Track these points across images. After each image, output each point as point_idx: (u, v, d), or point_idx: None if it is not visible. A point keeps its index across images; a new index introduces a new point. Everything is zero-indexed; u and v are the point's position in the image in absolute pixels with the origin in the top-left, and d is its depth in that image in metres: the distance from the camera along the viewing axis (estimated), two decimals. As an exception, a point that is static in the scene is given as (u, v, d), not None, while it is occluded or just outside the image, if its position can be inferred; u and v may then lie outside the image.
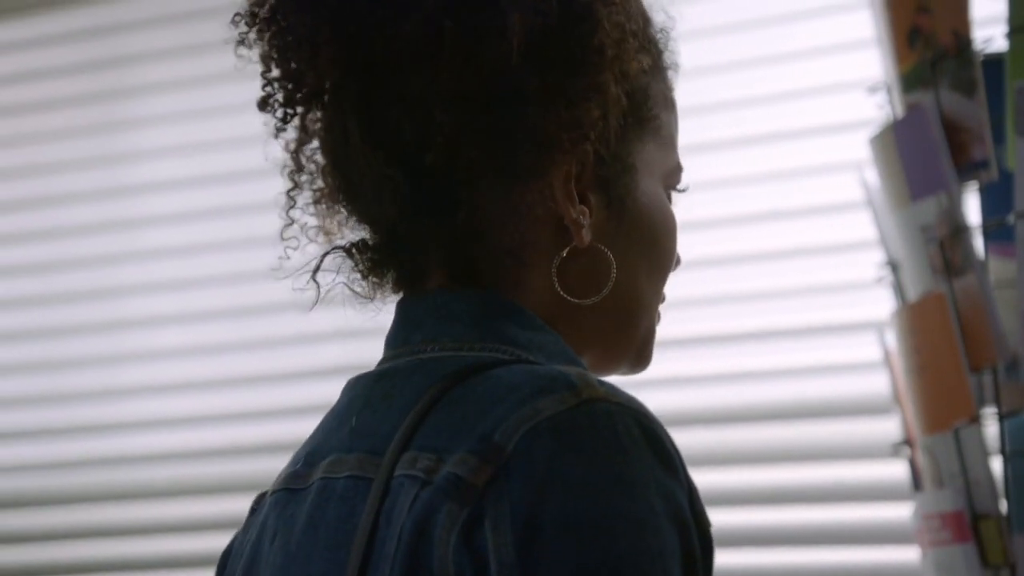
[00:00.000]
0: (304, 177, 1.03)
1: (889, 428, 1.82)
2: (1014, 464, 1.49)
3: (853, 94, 1.86)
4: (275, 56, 0.99)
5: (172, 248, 2.69)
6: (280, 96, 1.00)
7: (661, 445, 0.87)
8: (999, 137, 1.52)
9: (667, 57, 1.04)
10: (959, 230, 1.54)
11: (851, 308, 2.16)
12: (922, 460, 1.62)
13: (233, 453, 2.61)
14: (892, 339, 1.70)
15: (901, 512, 1.92)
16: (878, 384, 1.88)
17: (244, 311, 2.63)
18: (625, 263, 0.99)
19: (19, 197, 2.83)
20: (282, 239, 1.04)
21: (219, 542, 1.08)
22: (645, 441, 0.86)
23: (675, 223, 1.04)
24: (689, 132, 1.11)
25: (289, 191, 1.03)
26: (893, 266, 1.70)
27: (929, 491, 1.60)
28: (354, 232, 1.02)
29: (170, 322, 2.69)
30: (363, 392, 0.99)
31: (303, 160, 1.02)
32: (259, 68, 1.02)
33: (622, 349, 1.03)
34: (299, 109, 1.00)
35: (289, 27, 0.98)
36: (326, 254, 1.03)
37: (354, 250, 1.02)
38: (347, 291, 1.03)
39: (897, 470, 1.85)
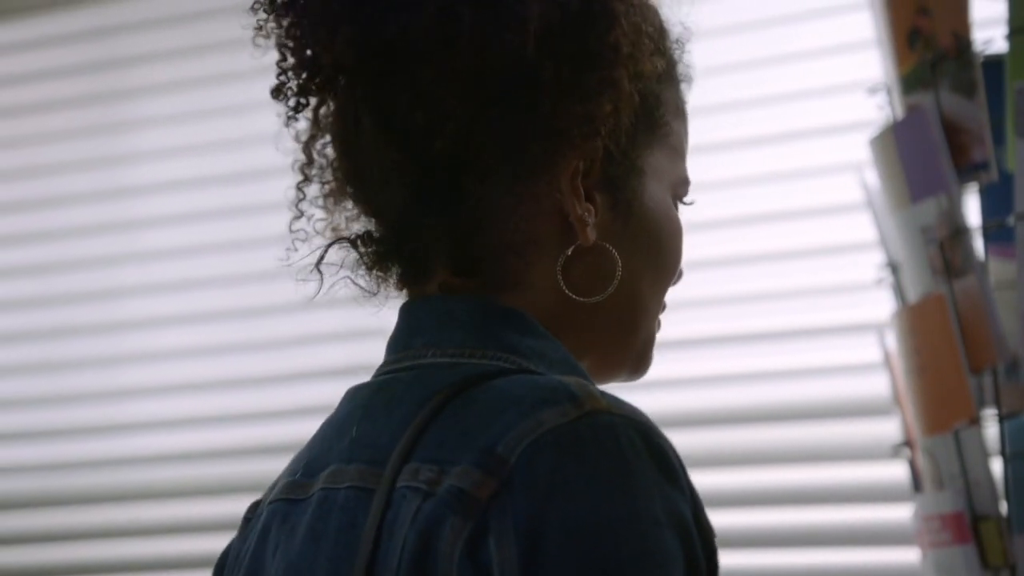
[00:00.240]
0: (314, 171, 1.02)
1: (889, 429, 1.82)
2: (1014, 465, 1.49)
3: (853, 95, 1.86)
4: (291, 45, 0.99)
5: (172, 249, 2.69)
6: (294, 84, 1.00)
7: (664, 456, 0.87)
8: (999, 138, 1.52)
9: (681, 69, 1.05)
10: (959, 231, 1.54)
11: (851, 309, 2.16)
12: (922, 461, 1.62)
13: (233, 454, 2.61)
14: (892, 340, 1.70)
15: (901, 513, 1.91)
16: (878, 385, 1.88)
17: (244, 312, 2.63)
18: (629, 266, 0.99)
19: (19, 198, 2.83)
20: (290, 231, 1.03)
21: (220, 543, 1.08)
22: (648, 453, 0.86)
23: (681, 231, 1.03)
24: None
25: (299, 184, 1.03)
26: (893, 267, 1.70)
27: (929, 492, 1.60)
28: (361, 226, 1.01)
29: (170, 323, 2.69)
30: (363, 402, 0.98)
31: (314, 154, 1.02)
32: (260, 67, 1.02)
33: (622, 354, 1.03)
34: (312, 99, 1.00)
35: (307, 11, 0.97)
36: (331, 244, 1.02)
37: (359, 242, 1.01)
38: (349, 292, 1.03)
39: (897, 471, 1.85)
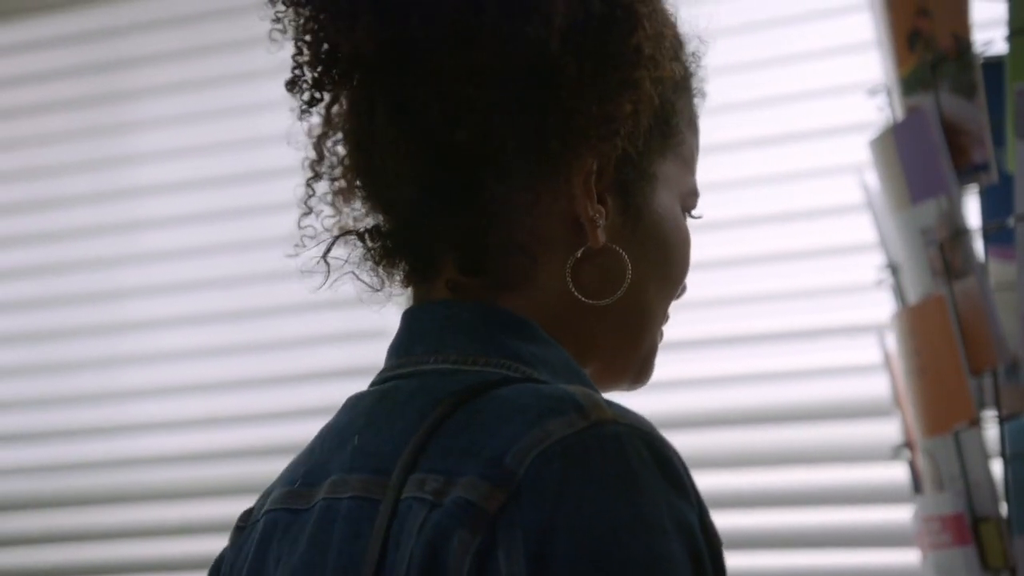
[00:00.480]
0: (324, 168, 1.01)
1: (889, 431, 1.82)
2: (1014, 467, 1.49)
3: (853, 97, 1.86)
4: (308, 39, 0.98)
5: (172, 251, 2.69)
6: (309, 78, 0.99)
7: (671, 466, 0.87)
8: (999, 140, 1.52)
9: (696, 82, 1.05)
10: (959, 233, 1.54)
11: (851, 310, 2.16)
12: (922, 463, 1.62)
13: (234, 455, 2.61)
14: (892, 341, 1.70)
15: (901, 515, 1.91)
16: (878, 386, 1.88)
17: (244, 313, 2.63)
18: (636, 272, 0.98)
19: (19, 200, 2.83)
20: (299, 228, 1.02)
21: (218, 545, 1.08)
22: (655, 463, 0.86)
23: (688, 241, 1.03)
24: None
25: (309, 180, 1.02)
26: (893, 268, 1.70)
27: (929, 494, 1.60)
28: (367, 214, 1.01)
29: (170, 325, 2.69)
30: (365, 411, 0.97)
31: (325, 151, 1.01)
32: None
33: (626, 361, 1.02)
34: (326, 95, 0.99)
35: (329, 2, 0.97)
36: (339, 236, 1.01)
37: (367, 236, 1.00)
38: (351, 293, 1.02)
39: (897, 473, 1.85)
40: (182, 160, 2.71)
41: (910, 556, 1.76)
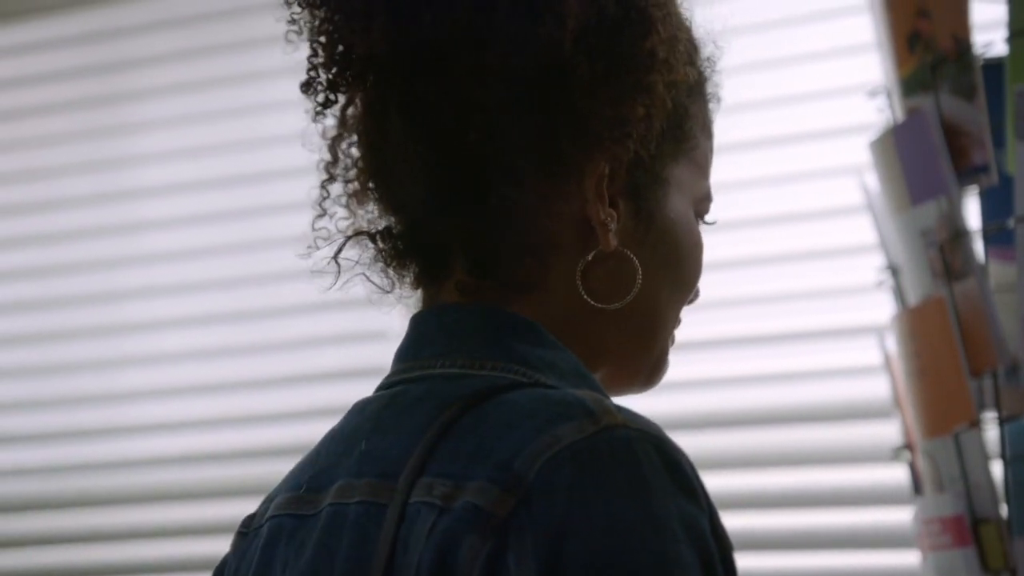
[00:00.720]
0: (339, 170, 1.01)
1: (889, 432, 1.82)
2: (1014, 468, 1.49)
3: (853, 98, 1.86)
4: (323, 40, 0.98)
5: (173, 252, 2.69)
6: (324, 79, 0.99)
7: (681, 471, 0.86)
8: (999, 141, 1.52)
9: (711, 87, 1.04)
10: (959, 234, 1.54)
11: (851, 312, 2.16)
12: (922, 464, 1.62)
13: (235, 457, 2.61)
14: (892, 343, 1.70)
15: (901, 516, 1.91)
16: (878, 388, 1.88)
17: (245, 315, 2.63)
18: (648, 276, 0.98)
19: (19, 201, 2.83)
20: (313, 230, 1.02)
21: (222, 546, 1.08)
22: (665, 467, 0.86)
23: (701, 246, 1.03)
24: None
25: (323, 182, 1.01)
26: (893, 270, 1.70)
27: (929, 495, 1.60)
28: (381, 216, 1.01)
29: (170, 326, 2.69)
30: (372, 415, 0.97)
31: (339, 153, 1.01)
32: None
33: (636, 365, 1.02)
34: (341, 96, 0.99)
35: (343, 4, 0.97)
36: (350, 237, 1.01)
37: (378, 237, 1.00)
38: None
39: (897, 474, 1.85)
40: (183, 161, 2.71)
41: (910, 558, 1.76)
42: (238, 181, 2.65)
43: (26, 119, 2.83)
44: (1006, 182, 1.51)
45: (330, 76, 0.99)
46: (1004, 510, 1.51)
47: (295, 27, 0.99)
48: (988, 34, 1.55)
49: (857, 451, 2.16)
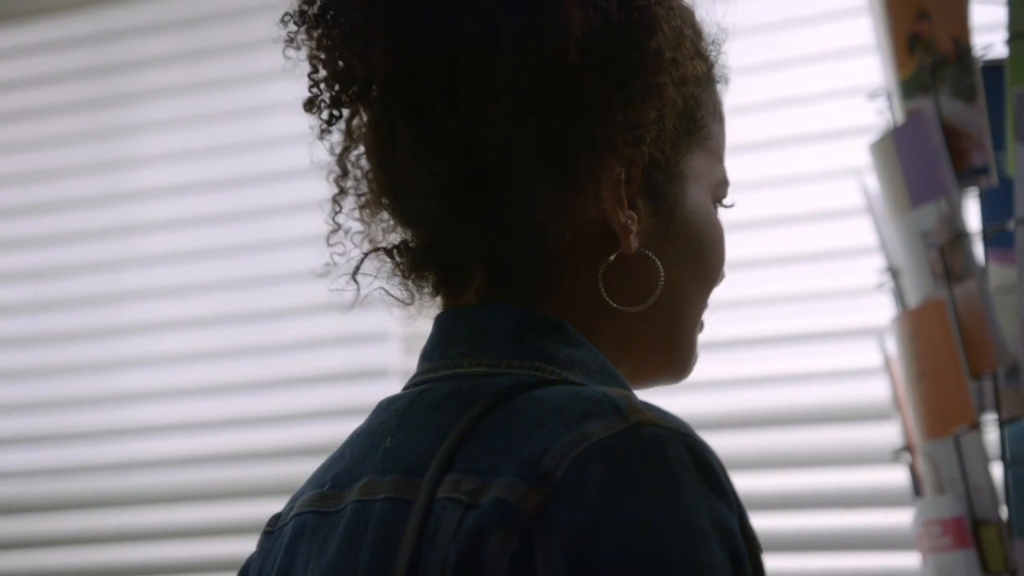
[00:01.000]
0: (349, 183, 1.00)
1: (889, 434, 1.82)
2: (1014, 470, 1.49)
3: (853, 100, 1.86)
4: (323, 56, 0.98)
5: (173, 253, 2.69)
6: (327, 96, 0.99)
7: (711, 470, 0.86)
8: (999, 143, 1.52)
9: (718, 70, 1.04)
10: (959, 236, 1.54)
11: (851, 314, 2.16)
12: (922, 466, 1.62)
13: (233, 459, 2.61)
14: (892, 345, 1.70)
15: (901, 518, 1.91)
16: (878, 390, 1.88)
17: (243, 317, 2.63)
18: (672, 273, 0.98)
19: (18, 203, 2.83)
20: (328, 244, 1.01)
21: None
22: (695, 466, 0.85)
23: (722, 234, 1.02)
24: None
25: (334, 196, 1.01)
26: (893, 272, 1.70)
27: (930, 497, 1.60)
28: (397, 236, 1.00)
29: (171, 327, 2.69)
30: (397, 413, 0.97)
31: (348, 165, 1.00)
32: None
33: (665, 360, 1.02)
34: (345, 111, 0.98)
35: (341, 23, 0.96)
36: (367, 254, 1.01)
37: (395, 251, 1.00)
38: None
39: (897, 476, 1.85)
40: (183, 163, 2.71)
41: (910, 560, 1.76)
42: (238, 183, 2.65)
43: (26, 121, 2.83)
44: (1006, 184, 1.51)
45: (333, 93, 0.98)
46: (1004, 512, 1.51)
47: (292, 44, 0.98)
48: (988, 36, 1.55)
49: (857, 453, 2.15)
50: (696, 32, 1.01)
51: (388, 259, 1.00)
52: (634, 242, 0.96)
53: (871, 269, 1.78)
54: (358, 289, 1.01)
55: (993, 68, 1.53)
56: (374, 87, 0.96)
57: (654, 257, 0.97)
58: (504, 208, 0.94)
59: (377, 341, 2.50)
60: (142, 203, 2.74)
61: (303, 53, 0.98)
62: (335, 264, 1.01)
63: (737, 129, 2.31)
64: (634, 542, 0.82)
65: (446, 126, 0.94)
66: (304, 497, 0.99)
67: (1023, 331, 1.48)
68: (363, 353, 2.54)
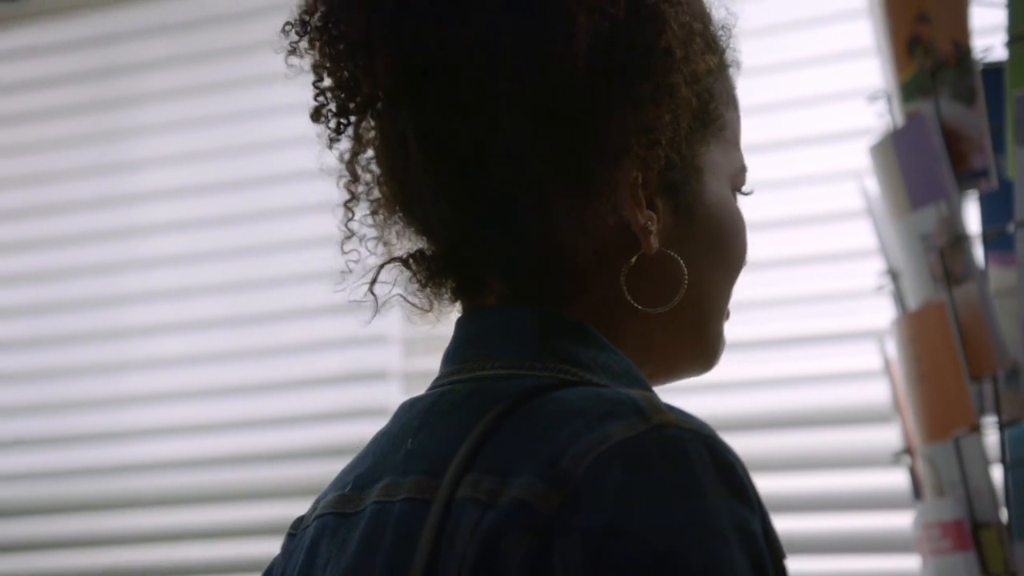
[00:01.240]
0: (361, 188, 0.99)
1: (889, 437, 1.82)
2: (1014, 473, 1.49)
3: (853, 103, 1.86)
4: (327, 65, 0.96)
5: (173, 256, 2.69)
6: (333, 106, 0.98)
7: (733, 472, 0.85)
8: (999, 146, 1.52)
9: (729, 55, 1.02)
10: (959, 239, 1.54)
11: (851, 316, 2.16)
12: (922, 469, 1.62)
13: (233, 461, 2.61)
14: (892, 347, 1.70)
15: (902, 521, 1.91)
16: (878, 392, 1.88)
17: (244, 319, 2.63)
18: (696, 268, 0.97)
19: (19, 205, 2.83)
20: (343, 252, 1.00)
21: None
22: (716, 468, 0.84)
23: (743, 223, 1.02)
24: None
25: (346, 202, 1.00)
26: (893, 275, 1.70)
27: (930, 500, 1.60)
28: (412, 243, 0.99)
29: (170, 330, 2.69)
30: (419, 414, 0.96)
31: (358, 170, 0.99)
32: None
33: (693, 354, 1.01)
34: (352, 119, 0.97)
35: (343, 34, 0.95)
36: (383, 265, 0.99)
37: (411, 260, 0.99)
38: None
39: (898, 479, 1.85)
40: (184, 166, 2.71)
41: (910, 562, 1.76)
42: (239, 186, 2.65)
43: (27, 123, 2.84)
44: (1006, 187, 1.51)
45: (339, 102, 0.97)
46: (1004, 515, 1.51)
47: (295, 53, 0.98)
48: (988, 39, 1.55)
49: (857, 455, 2.15)
50: (705, 22, 0.98)
51: (405, 268, 0.99)
52: (655, 243, 0.95)
53: (871, 272, 1.78)
54: (375, 301, 1.00)
55: (993, 71, 1.53)
56: (380, 96, 0.95)
57: (676, 256, 0.96)
58: (518, 217, 0.93)
59: (378, 344, 2.50)
60: (143, 206, 2.74)
61: (306, 61, 0.98)
62: (349, 270, 1.00)
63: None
64: (653, 544, 0.81)
65: (455, 136, 0.93)
66: (326, 499, 0.99)
67: (1023, 334, 1.48)
68: (363, 355, 2.54)
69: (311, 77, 0.98)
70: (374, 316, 1.00)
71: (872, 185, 1.71)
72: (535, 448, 0.85)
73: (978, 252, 1.55)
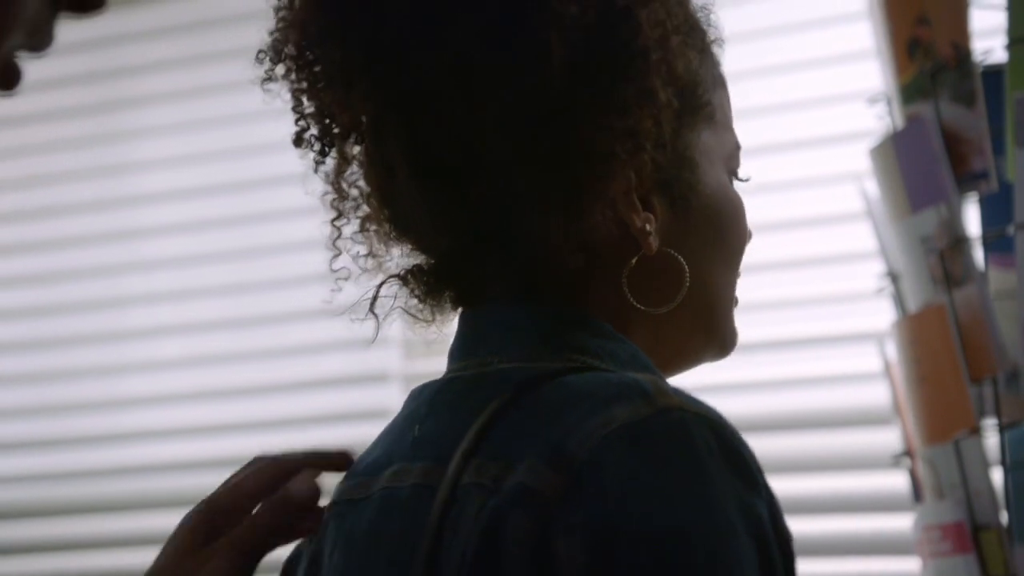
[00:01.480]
0: (348, 204, 0.99)
1: (889, 439, 1.82)
2: (1014, 475, 1.49)
3: (853, 105, 1.86)
4: (306, 90, 0.97)
5: (173, 258, 2.69)
6: (315, 130, 0.98)
7: (739, 455, 0.84)
8: (999, 148, 1.52)
9: (712, 34, 1.01)
10: (959, 241, 1.54)
11: (851, 319, 2.16)
12: (922, 471, 1.62)
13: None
14: (892, 350, 1.70)
15: (902, 523, 1.91)
16: (878, 395, 1.88)
17: (245, 321, 2.63)
18: (698, 261, 0.97)
19: (20, 208, 2.83)
20: (332, 271, 1.00)
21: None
22: (721, 451, 0.83)
23: (741, 206, 1.02)
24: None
25: (333, 220, 1.00)
26: (893, 277, 1.70)
27: (930, 502, 1.60)
28: (404, 254, 0.99)
29: (171, 332, 2.69)
30: (427, 400, 0.96)
31: (345, 187, 0.99)
32: (262, 77, 1.00)
33: (704, 345, 1.01)
34: (336, 143, 0.98)
35: (318, 62, 0.95)
36: (382, 284, 1.00)
37: (409, 276, 0.99)
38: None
39: (898, 481, 1.85)
40: (185, 167, 2.71)
41: (911, 564, 1.75)
42: (239, 187, 2.65)
43: (29, 125, 2.84)
44: (1006, 189, 1.51)
45: (321, 127, 0.97)
46: (1004, 517, 1.51)
47: (271, 80, 0.98)
48: (987, 41, 1.55)
49: (857, 458, 2.15)
50: (684, 13, 0.97)
51: (403, 285, 0.99)
52: (654, 243, 0.94)
53: (871, 274, 1.78)
54: (377, 321, 1.00)
55: (993, 73, 1.53)
56: (363, 122, 0.96)
57: (676, 255, 0.96)
58: (512, 230, 0.93)
59: (378, 345, 2.50)
60: (144, 207, 2.75)
61: (283, 87, 0.98)
62: (340, 288, 1.00)
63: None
64: (655, 526, 0.81)
65: (442, 158, 0.93)
66: (340, 487, 0.99)
67: (1023, 336, 1.48)
68: (364, 357, 2.54)
69: (292, 106, 0.98)
70: (376, 333, 1.00)
71: (872, 187, 1.71)
72: (540, 433, 0.85)
73: (978, 254, 1.55)
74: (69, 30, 3.09)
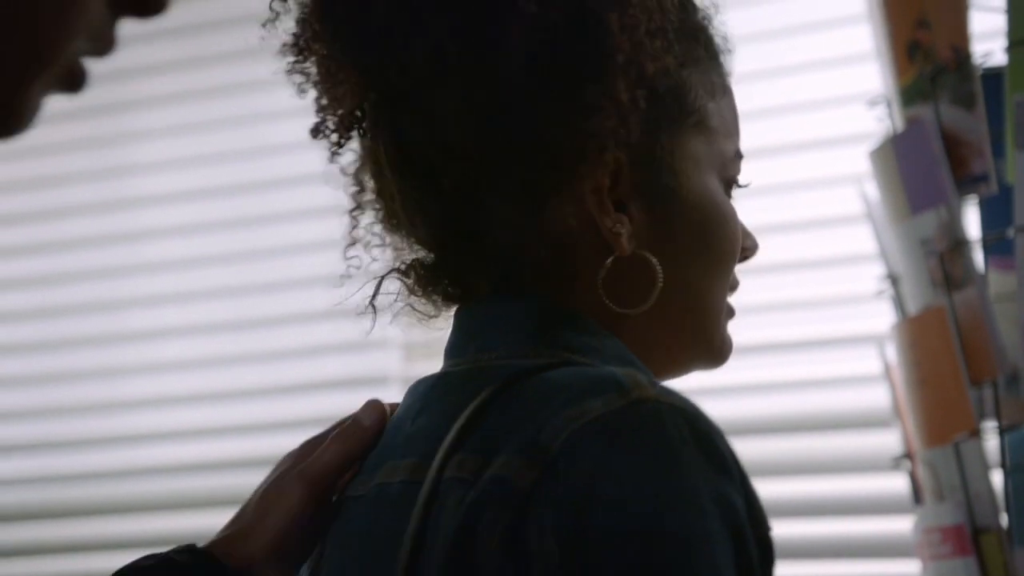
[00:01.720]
0: (367, 196, 1.01)
1: (889, 441, 1.82)
2: (1015, 478, 1.49)
3: (853, 107, 1.86)
4: (318, 83, 1.00)
5: (174, 260, 2.70)
6: (331, 122, 1.00)
7: (714, 447, 0.85)
8: (999, 151, 1.52)
9: (716, 44, 1.02)
10: (959, 243, 1.54)
11: (851, 321, 2.16)
12: (922, 474, 1.62)
13: (237, 466, 2.61)
14: (892, 352, 1.70)
15: (902, 526, 1.91)
16: (878, 397, 1.88)
17: (247, 324, 2.63)
18: (680, 266, 0.97)
19: (21, 209, 2.83)
20: (345, 257, 1.02)
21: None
22: (697, 443, 0.84)
23: (731, 213, 1.02)
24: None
25: (351, 211, 1.02)
26: (893, 279, 1.70)
27: (930, 505, 1.60)
28: (411, 251, 1.01)
29: (172, 334, 2.69)
30: (420, 397, 0.98)
31: (364, 179, 1.01)
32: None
33: (695, 353, 1.01)
34: (348, 134, 1.00)
35: (324, 54, 0.98)
36: (383, 278, 1.01)
37: (409, 271, 1.01)
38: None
39: (898, 483, 1.85)
40: (186, 170, 2.71)
41: (910, 567, 1.75)
42: (240, 189, 2.65)
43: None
44: (1006, 191, 1.52)
45: (336, 117, 1.00)
46: (1004, 520, 1.51)
47: (297, 72, 1.01)
48: (987, 44, 1.56)
49: (857, 460, 2.16)
50: (672, 16, 0.97)
51: (403, 279, 1.01)
52: (628, 245, 0.95)
53: (871, 276, 1.78)
54: (375, 312, 1.01)
55: (993, 76, 1.53)
56: (359, 117, 0.98)
57: (650, 256, 0.96)
58: (488, 227, 0.95)
59: (378, 348, 2.51)
60: (145, 210, 2.75)
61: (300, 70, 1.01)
62: (350, 276, 1.01)
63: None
64: (628, 516, 0.81)
65: (420, 153, 0.95)
66: (347, 483, 1.01)
67: (1023, 339, 1.48)
68: (365, 360, 2.54)
69: (315, 98, 1.01)
70: (372, 328, 1.01)
71: (872, 190, 1.72)
72: (518, 426, 0.86)
73: (978, 257, 1.55)
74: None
